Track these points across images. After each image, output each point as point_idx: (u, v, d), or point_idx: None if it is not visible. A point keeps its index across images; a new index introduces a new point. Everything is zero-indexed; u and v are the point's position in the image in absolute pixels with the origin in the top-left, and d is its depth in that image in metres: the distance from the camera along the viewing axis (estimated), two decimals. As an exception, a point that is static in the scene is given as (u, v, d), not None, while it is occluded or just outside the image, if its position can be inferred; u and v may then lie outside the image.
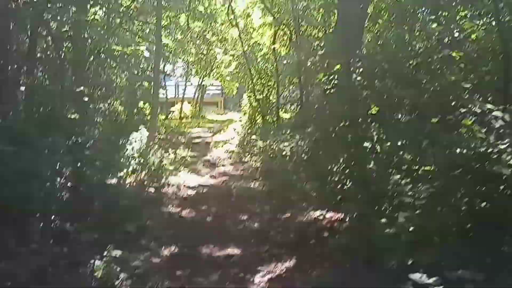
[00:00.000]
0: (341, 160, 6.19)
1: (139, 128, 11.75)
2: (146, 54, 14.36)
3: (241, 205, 8.59)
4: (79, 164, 6.82)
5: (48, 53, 11.38)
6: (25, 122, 6.33)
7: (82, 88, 9.04)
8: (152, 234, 6.60)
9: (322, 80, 6.62)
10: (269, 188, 9.58)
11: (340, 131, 6.40)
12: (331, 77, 6.63)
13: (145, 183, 9.55)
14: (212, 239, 6.63)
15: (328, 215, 7.39)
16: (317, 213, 7.53)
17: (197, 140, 19.96)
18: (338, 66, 6.45)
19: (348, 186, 6.00)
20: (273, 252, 6.09)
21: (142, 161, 10.70)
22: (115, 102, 17.41)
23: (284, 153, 11.02)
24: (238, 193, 9.36)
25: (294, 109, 21.45)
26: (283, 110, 20.63)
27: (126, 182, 9.87)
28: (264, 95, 20.08)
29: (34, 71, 8.93)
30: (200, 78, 29.56)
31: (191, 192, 9.68)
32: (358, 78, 6.68)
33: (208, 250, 6.26)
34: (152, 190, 8.61)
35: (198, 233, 6.99)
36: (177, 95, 33.97)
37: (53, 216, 5.46)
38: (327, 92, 6.50)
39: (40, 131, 5.75)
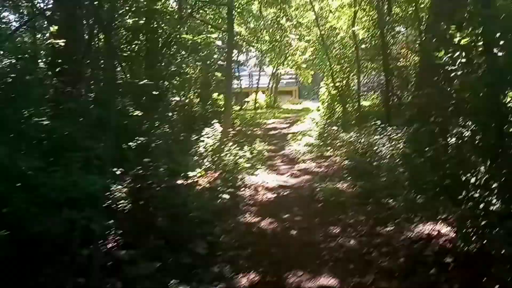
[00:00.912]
0: (482, 167, 4.49)
1: (212, 122, 10.63)
2: (218, 43, 13.29)
3: (330, 213, 7.14)
4: (141, 171, 5.74)
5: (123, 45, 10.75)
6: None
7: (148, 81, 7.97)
8: (226, 256, 5.37)
9: (443, 58, 4.93)
10: (361, 190, 8.02)
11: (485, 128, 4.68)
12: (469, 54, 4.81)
13: (219, 185, 8.37)
14: (299, 262, 5.28)
15: (444, 230, 5.77)
16: (428, 227, 5.92)
17: (273, 132, 18.68)
18: (464, 40, 4.69)
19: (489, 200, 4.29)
20: (381, 286, 4.60)
21: (215, 159, 9.56)
22: (189, 94, 16.62)
23: (376, 148, 9.37)
24: (324, 196, 7.89)
25: (377, 96, 19.54)
26: (364, 98, 18.81)
27: (199, 183, 8.81)
28: (343, 82, 18.30)
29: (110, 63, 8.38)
30: (274, 67, 28.20)
31: (270, 196, 8.37)
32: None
33: (297, 279, 4.89)
34: (226, 195, 7.32)
35: (282, 253, 5.65)
36: (251, 85, 32.94)
37: (104, 241, 4.37)
38: (457, 74, 4.76)
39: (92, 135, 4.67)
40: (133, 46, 12.65)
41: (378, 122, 10.73)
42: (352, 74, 19.02)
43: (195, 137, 10.44)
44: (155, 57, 13.55)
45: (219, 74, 13.09)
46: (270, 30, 22.60)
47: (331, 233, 6.25)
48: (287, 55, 24.54)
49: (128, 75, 11.56)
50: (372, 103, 19.56)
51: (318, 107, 20.19)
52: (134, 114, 6.69)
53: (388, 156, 9.11)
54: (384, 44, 15.93)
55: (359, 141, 10.83)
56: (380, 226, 6.32)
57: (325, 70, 23.72)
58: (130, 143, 6.14)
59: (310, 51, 22.04)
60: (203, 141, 10.30)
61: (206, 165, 9.53)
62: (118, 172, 5.73)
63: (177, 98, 16.03)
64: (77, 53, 6.90)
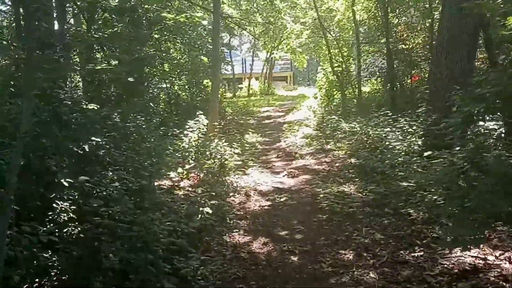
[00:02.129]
0: None
1: (197, 114, 9.09)
2: (204, 22, 11.68)
3: (337, 229, 5.64)
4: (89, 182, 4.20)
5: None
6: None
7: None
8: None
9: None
10: (374, 196, 6.53)
11: None
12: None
13: (203, 191, 6.86)
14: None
15: (492, 258, 4.34)
16: (469, 252, 4.46)
17: (267, 121, 17.15)
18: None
19: None
20: None
21: (199, 157, 8.04)
22: (176, 80, 14.98)
23: (388, 143, 7.87)
24: (329, 204, 6.38)
25: (378, 81, 17.96)
26: (363, 83, 17.23)
27: (180, 187, 7.31)
28: (342, 67, 16.71)
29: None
30: (268, 52, 26.53)
31: (264, 203, 6.85)
32: None
33: None
34: (208, 209, 5.76)
35: (280, 294, 4.16)
36: (244, 71, 31.28)
37: None
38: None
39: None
40: (116, 29, 11.11)
41: (388, 112, 9.18)
42: (351, 58, 17.48)
43: (177, 131, 8.91)
44: (138, 40, 11.95)
45: (205, 59, 11.50)
46: (264, 13, 20.92)
47: (342, 259, 4.75)
48: (282, 39, 22.87)
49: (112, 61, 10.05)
50: (372, 88, 18.05)
51: (315, 93, 18.64)
52: (89, 107, 5.10)
53: (403, 153, 7.62)
54: (387, 23, 14.36)
55: (364, 133, 9.31)
56: (404, 249, 4.83)
57: (321, 55, 22.14)
58: (82, 144, 4.58)
59: (306, 34, 20.39)
60: (187, 135, 8.77)
61: (191, 164, 8.02)
62: (65, 184, 4.23)
63: (164, 86, 14.53)
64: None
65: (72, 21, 11.05)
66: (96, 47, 10.96)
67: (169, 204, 5.75)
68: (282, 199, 7.01)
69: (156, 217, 4.91)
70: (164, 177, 7.82)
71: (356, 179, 7.56)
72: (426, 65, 13.91)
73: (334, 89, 17.30)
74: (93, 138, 4.91)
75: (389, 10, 14.31)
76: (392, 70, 14.48)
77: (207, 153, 7.87)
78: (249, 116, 18.28)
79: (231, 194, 7.14)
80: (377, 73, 17.03)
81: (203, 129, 8.88)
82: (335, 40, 17.62)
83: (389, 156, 7.54)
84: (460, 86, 8.22)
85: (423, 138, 7.83)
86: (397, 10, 14.68)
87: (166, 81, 14.83)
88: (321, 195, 6.82)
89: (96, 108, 5.16)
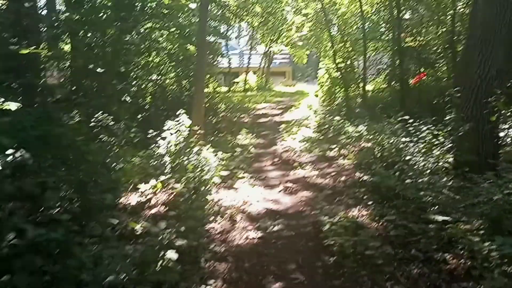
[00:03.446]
0: None
1: (178, 113, 7.46)
2: (192, 6, 10.04)
3: (352, 281, 4.07)
4: None
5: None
6: None
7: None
8: None
9: None
10: (395, 230, 4.95)
11: None
12: None
13: (176, 213, 5.29)
14: None
15: None
16: None
17: (263, 120, 15.53)
18: None
19: None
20: None
21: (177, 168, 6.44)
22: (162, 72, 13.34)
23: (408, 158, 6.27)
24: (337, 241, 4.76)
25: (384, 79, 16.35)
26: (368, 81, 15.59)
27: (151, 205, 5.76)
28: (347, 63, 15.07)
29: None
30: (266, 45, 24.82)
31: (253, 234, 5.25)
32: None
33: None
34: (173, 254, 4.12)
35: None
36: (241, 65, 29.58)
37: None
38: None
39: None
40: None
41: (406, 117, 7.56)
42: (356, 53, 15.84)
43: (154, 133, 7.30)
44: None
45: (192, 48, 9.87)
46: (263, 3, 19.23)
47: None
48: (281, 31, 21.17)
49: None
50: (376, 87, 16.45)
51: (316, 91, 17.01)
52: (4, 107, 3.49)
53: (428, 171, 6.04)
54: (399, 15, 12.74)
55: (376, 141, 7.71)
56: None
57: (323, 50, 20.45)
58: None
59: (307, 27, 18.71)
60: (165, 138, 7.15)
61: (167, 175, 6.42)
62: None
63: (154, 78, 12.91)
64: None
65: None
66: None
67: (119, 242, 4.14)
68: (276, 228, 5.42)
69: (90, 263, 3.33)
70: (134, 192, 6.28)
71: (369, 202, 5.98)
72: (441, 63, 12.35)
73: (337, 87, 15.70)
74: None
75: (401, 1, 12.72)
76: (402, 67, 12.91)
77: (186, 162, 6.25)
78: (244, 113, 16.65)
79: (212, 218, 5.55)
80: (385, 71, 15.44)
81: (184, 131, 7.26)
82: (339, 33, 15.98)
83: (410, 174, 5.95)
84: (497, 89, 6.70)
85: (453, 153, 6.26)
86: (410, 1, 13.06)
87: (153, 73, 13.28)
88: (326, 225, 5.21)
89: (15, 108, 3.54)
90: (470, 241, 4.14)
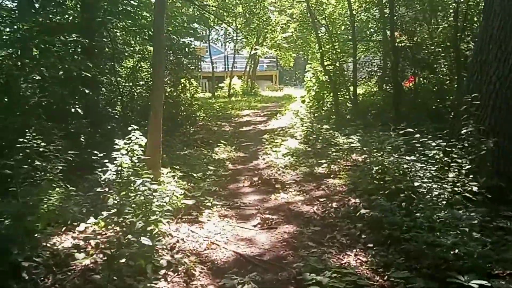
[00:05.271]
0: None
1: (130, 130, 5.97)
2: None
3: None
4: None
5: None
6: None
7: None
8: None
9: None
10: (407, 293, 3.52)
11: None
12: None
13: (105, 273, 3.81)
14: None
15: None
16: None
17: (246, 128, 14.07)
18: None
19: None
20: None
21: (122, 201, 4.94)
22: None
23: (418, 184, 4.83)
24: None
25: (374, 83, 14.98)
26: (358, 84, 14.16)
27: (89, 249, 4.32)
28: (336, 65, 13.68)
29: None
30: (250, 47, 23.37)
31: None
32: None
33: None
34: None
35: None
36: (227, 69, 28.13)
37: None
38: None
39: None
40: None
41: (409, 129, 6.13)
42: (345, 55, 14.46)
43: (100, 155, 5.79)
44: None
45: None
46: (245, 2, 17.79)
47: None
48: (266, 33, 19.74)
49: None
50: (367, 90, 15.09)
51: (303, 96, 15.58)
52: None
53: (444, 201, 4.63)
54: (392, 13, 11.38)
55: (373, 158, 6.27)
56: None
57: (310, 52, 19.08)
58: None
59: (293, 27, 17.32)
60: (115, 159, 5.66)
61: (110, 210, 4.91)
62: None
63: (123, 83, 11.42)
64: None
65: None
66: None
67: None
68: None
69: None
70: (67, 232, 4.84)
71: (369, 243, 4.56)
72: (442, 63, 10.99)
73: (325, 91, 14.30)
74: None
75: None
76: (396, 69, 11.56)
77: (132, 194, 4.77)
78: (226, 121, 15.18)
79: (160, 273, 4.07)
80: (376, 73, 14.07)
81: (138, 151, 5.78)
82: (327, 33, 14.59)
83: (422, 206, 4.53)
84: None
85: (473, 177, 4.84)
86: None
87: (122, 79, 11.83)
88: (314, 282, 3.76)
89: None
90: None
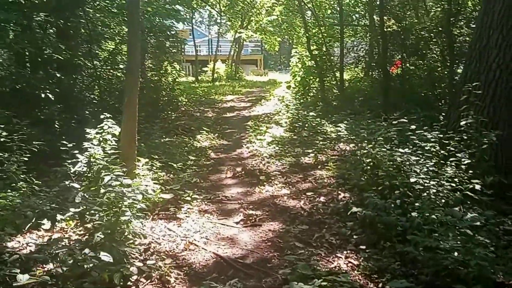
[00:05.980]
0: None
1: (102, 118, 5.45)
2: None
3: None
4: None
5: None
6: None
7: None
8: None
9: None
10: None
11: None
12: None
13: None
14: None
15: None
16: None
17: (229, 115, 13.56)
18: None
19: None
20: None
21: (89, 199, 4.46)
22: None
23: (414, 181, 4.45)
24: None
25: (361, 68, 14.57)
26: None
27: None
28: (323, 50, 13.21)
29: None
30: (235, 31, 22.70)
31: (189, 314, 3.38)
32: None
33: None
34: None
35: None
36: (211, 53, 27.42)
37: None
38: None
39: None
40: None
41: (403, 119, 5.74)
42: (332, 40, 13.99)
43: (69, 145, 5.26)
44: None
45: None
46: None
47: None
48: (251, 16, 19.09)
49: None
50: (353, 76, 14.68)
51: (288, 82, 15.11)
52: None
53: (443, 200, 4.26)
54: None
55: (364, 152, 5.87)
56: None
57: (296, 36, 18.56)
58: None
59: (278, 10, 16.73)
60: (87, 149, 5.14)
61: (78, 208, 4.42)
62: None
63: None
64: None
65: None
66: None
67: None
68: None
69: None
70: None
71: (361, 245, 4.18)
72: (433, 49, 10.59)
73: (311, 77, 13.84)
74: None
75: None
76: (385, 55, 11.15)
77: (102, 191, 4.28)
78: (209, 106, 14.64)
79: (132, 279, 3.62)
80: (364, 58, 13.65)
81: (111, 141, 5.28)
82: (314, 17, 14.07)
83: (419, 205, 4.16)
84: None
85: (473, 173, 4.47)
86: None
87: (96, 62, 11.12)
88: (302, 290, 3.37)
89: None
90: None
